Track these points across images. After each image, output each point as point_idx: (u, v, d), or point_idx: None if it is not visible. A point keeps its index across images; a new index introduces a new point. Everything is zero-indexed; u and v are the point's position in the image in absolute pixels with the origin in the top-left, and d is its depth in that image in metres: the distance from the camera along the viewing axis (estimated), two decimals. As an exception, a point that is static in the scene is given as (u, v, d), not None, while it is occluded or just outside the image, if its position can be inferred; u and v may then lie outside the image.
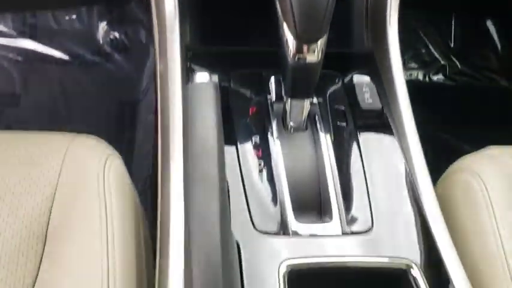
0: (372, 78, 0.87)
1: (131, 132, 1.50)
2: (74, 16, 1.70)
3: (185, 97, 0.62)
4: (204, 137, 0.57)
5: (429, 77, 1.75)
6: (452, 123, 1.62)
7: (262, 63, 0.86)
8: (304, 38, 0.66)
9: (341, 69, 0.89)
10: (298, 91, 0.75)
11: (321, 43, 0.66)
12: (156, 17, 0.87)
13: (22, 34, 1.66)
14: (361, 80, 0.86)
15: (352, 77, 0.87)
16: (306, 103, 0.76)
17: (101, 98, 1.58)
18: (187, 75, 0.83)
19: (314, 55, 0.67)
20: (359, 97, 0.82)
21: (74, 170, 0.73)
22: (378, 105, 0.82)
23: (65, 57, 1.65)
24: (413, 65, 1.75)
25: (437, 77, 1.75)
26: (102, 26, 1.70)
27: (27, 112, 1.53)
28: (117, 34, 1.70)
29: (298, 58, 0.67)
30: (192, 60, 0.85)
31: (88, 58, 1.66)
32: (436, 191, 0.77)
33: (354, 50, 0.93)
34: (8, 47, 1.63)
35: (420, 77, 1.75)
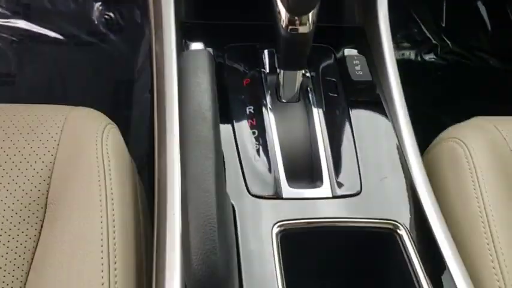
0: (362, 52, 0.89)
1: (127, 111, 1.52)
2: (69, -5, 1.71)
3: (180, 71, 0.64)
4: (198, 102, 0.59)
5: (421, 56, 1.77)
6: (443, 101, 1.65)
7: (256, 37, 0.88)
8: (296, 10, 0.68)
9: (333, 43, 0.91)
10: (291, 62, 0.77)
11: (312, 15, 0.69)
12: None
13: (16, 14, 1.66)
14: (352, 52, 0.88)
15: (343, 51, 0.89)
16: (299, 75, 0.79)
17: (97, 78, 1.59)
18: (182, 50, 0.84)
19: (306, 26, 0.69)
20: (350, 69, 0.84)
21: (72, 138, 0.75)
22: (368, 76, 0.84)
23: (60, 37, 1.65)
24: (405, 44, 1.77)
25: (429, 57, 1.77)
26: (97, 6, 1.70)
27: (23, 91, 1.54)
28: (111, 14, 1.71)
29: (291, 29, 0.69)
30: (186, 35, 0.87)
31: (83, 38, 1.66)
32: (423, 159, 0.80)
33: (346, 25, 0.95)
34: (2, 26, 1.63)
35: (412, 56, 1.77)
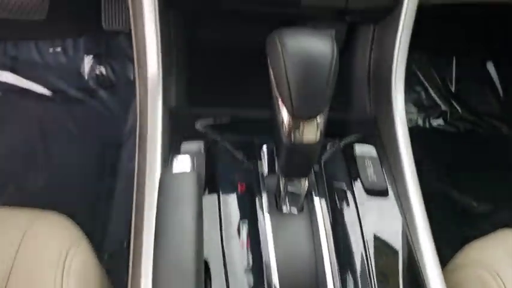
0: (375, 148, 0.78)
1: (111, 180, 1.40)
2: (59, 49, 1.62)
3: (162, 196, 0.53)
4: (178, 250, 0.47)
5: (429, 122, 1.67)
6: (453, 171, 1.54)
7: (253, 129, 0.77)
8: (302, 115, 0.56)
9: (339, 135, 0.80)
10: (293, 171, 0.65)
11: (320, 120, 0.57)
12: (138, 83, 0.78)
13: (2, 66, 1.57)
14: (363, 151, 0.77)
15: (353, 147, 0.78)
16: (303, 183, 0.67)
17: (82, 139, 1.49)
18: (171, 142, 0.74)
19: (312, 134, 0.57)
20: (361, 173, 0.73)
21: (30, 261, 0.62)
22: (382, 184, 0.72)
23: (47, 92, 1.57)
24: (413, 109, 1.67)
25: (438, 122, 1.68)
26: (88, 60, 1.62)
27: (1, 155, 1.43)
28: (103, 69, 1.62)
29: (294, 137, 0.57)
30: (175, 126, 0.76)
31: (71, 94, 1.58)
32: (445, 279, 0.67)
33: (355, 116, 0.85)
34: (-13, 80, 1.54)
35: (420, 122, 1.67)
